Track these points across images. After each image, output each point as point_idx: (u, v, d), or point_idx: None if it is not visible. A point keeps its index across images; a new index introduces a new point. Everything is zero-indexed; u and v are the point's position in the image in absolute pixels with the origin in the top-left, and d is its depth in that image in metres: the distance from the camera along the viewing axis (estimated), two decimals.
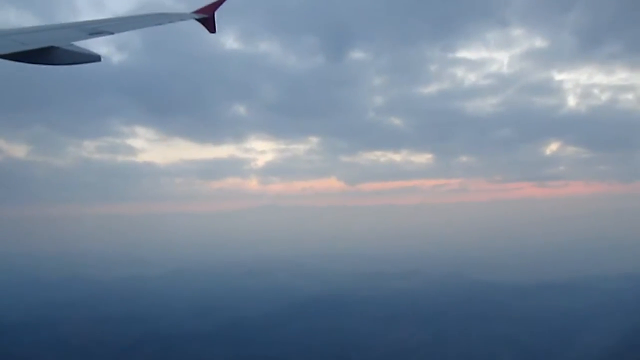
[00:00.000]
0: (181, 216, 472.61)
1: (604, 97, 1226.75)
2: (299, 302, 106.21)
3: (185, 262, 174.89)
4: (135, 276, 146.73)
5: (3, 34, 8.20)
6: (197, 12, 13.20)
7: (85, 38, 9.09)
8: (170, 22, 11.76)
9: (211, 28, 13.40)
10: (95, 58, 9.00)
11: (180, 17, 12.65)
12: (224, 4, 13.37)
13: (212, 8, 13.30)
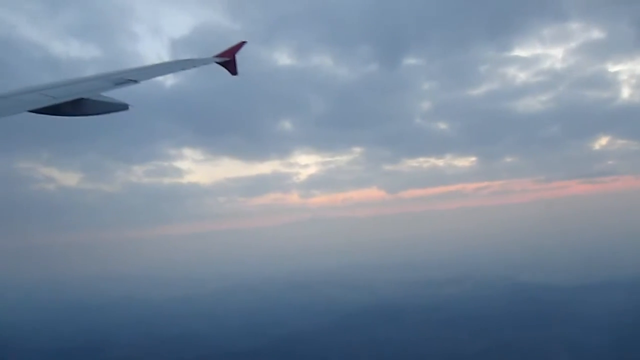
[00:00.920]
0: (226, 234, 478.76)
1: None
2: (350, 314, 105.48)
3: (232, 279, 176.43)
4: (186, 296, 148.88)
5: (34, 89, 8.53)
6: (218, 55, 13.81)
7: (112, 88, 9.41)
8: (194, 67, 12.26)
9: (233, 70, 14.02)
10: (123, 107, 9.40)
11: (204, 61, 13.24)
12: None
13: (233, 51, 13.97)
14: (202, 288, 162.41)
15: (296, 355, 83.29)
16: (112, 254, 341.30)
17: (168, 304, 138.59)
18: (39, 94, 8.18)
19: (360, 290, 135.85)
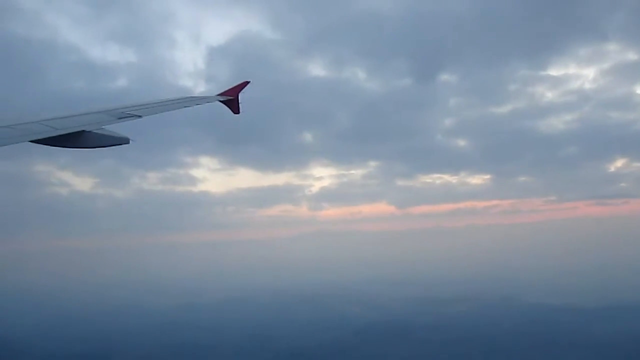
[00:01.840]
0: (233, 244, 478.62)
1: None
2: (357, 330, 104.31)
3: (237, 290, 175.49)
4: (191, 305, 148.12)
5: (35, 120, 8.60)
6: (222, 94, 14.14)
7: (114, 122, 9.56)
8: (197, 104, 12.46)
9: (235, 109, 14.33)
10: (124, 141, 9.51)
11: (207, 100, 13.49)
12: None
13: (236, 91, 14.33)
14: (208, 298, 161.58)
15: None
16: (117, 261, 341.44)
17: (173, 313, 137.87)
18: (41, 125, 8.33)
19: (366, 306, 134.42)
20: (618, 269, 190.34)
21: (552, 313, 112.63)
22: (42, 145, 8.35)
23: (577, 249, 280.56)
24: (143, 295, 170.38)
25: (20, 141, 7.55)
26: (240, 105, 14.41)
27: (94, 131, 9.03)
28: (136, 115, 10.06)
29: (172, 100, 12.17)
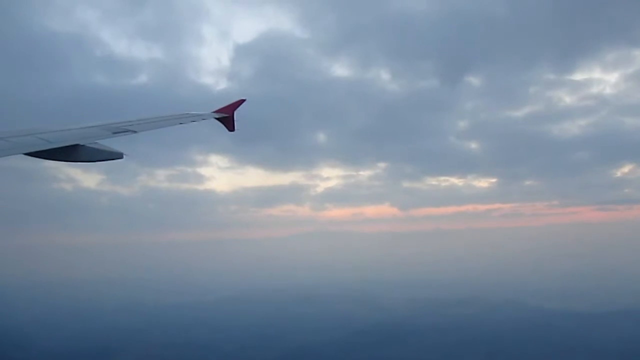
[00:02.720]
0: (235, 243, 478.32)
1: None
2: (359, 330, 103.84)
3: (238, 289, 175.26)
4: (192, 303, 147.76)
5: (30, 132, 8.57)
6: (217, 111, 14.23)
7: (109, 137, 9.52)
8: (192, 121, 12.52)
9: (230, 127, 14.40)
10: (118, 156, 9.49)
11: (203, 117, 13.49)
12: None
13: (232, 108, 14.47)
14: (209, 296, 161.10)
15: None
16: (118, 258, 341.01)
17: (174, 310, 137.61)
18: (36, 138, 8.33)
19: (371, 307, 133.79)
20: (620, 274, 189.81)
21: (555, 317, 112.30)
22: (35, 158, 8.35)
23: (580, 254, 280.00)
24: (144, 293, 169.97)
25: (14, 153, 7.52)
26: (235, 123, 14.41)
27: (88, 145, 9.01)
28: (131, 131, 10.03)
29: (168, 116, 12.25)
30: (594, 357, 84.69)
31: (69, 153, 8.71)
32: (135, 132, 10.06)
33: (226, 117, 14.19)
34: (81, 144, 8.86)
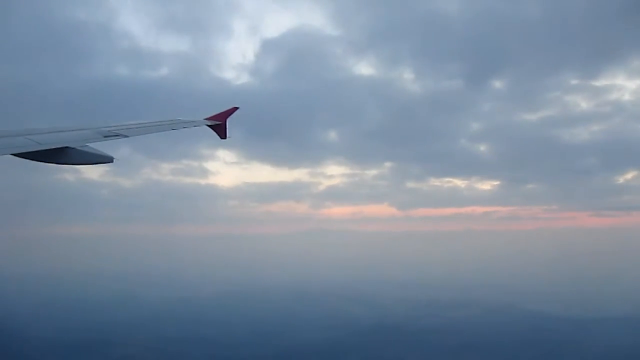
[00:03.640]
0: (233, 239, 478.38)
1: None
2: (359, 330, 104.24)
3: (234, 284, 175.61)
4: (188, 298, 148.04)
5: (19, 133, 8.56)
6: (210, 118, 14.27)
7: (100, 140, 9.54)
8: (184, 127, 12.68)
9: (222, 134, 14.44)
10: (108, 159, 9.49)
11: (195, 124, 13.55)
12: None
13: (224, 116, 14.48)
14: (208, 292, 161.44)
15: None
16: (117, 251, 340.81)
17: (170, 304, 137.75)
18: (25, 139, 8.32)
19: (370, 306, 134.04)
20: (617, 280, 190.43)
21: (551, 321, 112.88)
22: (24, 160, 8.36)
23: (575, 259, 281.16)
24: (142, 286, 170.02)
25: (2, 154, 7.54)
26: (227, 130, 14.45)
27: (78, 148, 9.00)
28: (123, 135, 10.10)
29: (160, 122, 12.36)
30: None
31: (58, 155, 8.74)
32: (126, 136, 10.15)
33: (218, 125, 14.25)
34: (71, 146, 8.86)
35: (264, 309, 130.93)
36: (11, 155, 7.82)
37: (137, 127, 11.11)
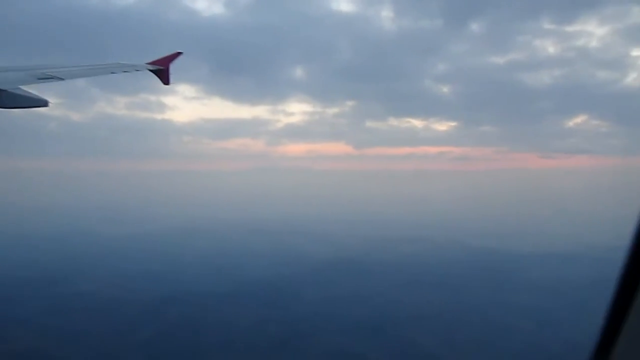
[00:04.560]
0: (186, 174, 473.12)
1: None
2: (312, 266, 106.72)
3: (189, 220, 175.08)
4: (141, 233, 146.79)
5: None
6: (152, 63, 13.80)
7: (34, 82, 9.14)
8: (124, 72, 12.22)
9: (165, 80, 14.05)
10: (43, 103, 9.24)
11: (135, 67, 13.15)
12: None
13: (168, 61, 14.16)
14: (161, 227, 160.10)
15: (263, 302, 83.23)
16: (66, 186, 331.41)
17: (123, 240, 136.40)
18: None
19: (324, 243, 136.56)
20: (559, 219, 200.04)
21: (496, 257, 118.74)
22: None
23: (521, 199, 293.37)
24: (92, 222, 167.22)
25: None
26: (170, 76, 14.02)
27: (10, 90, 8.56)
28: (58, 78, 9.62)
29: (99, 65, 11.91)
30: (531, 294, 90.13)
31: None
32: (62, 79, 9.68)
33: (161, 70, 13.81)
34: (2, 88, 8.43)
35: (216, 246, 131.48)
36: None
37: (73, 70, 10.56)
